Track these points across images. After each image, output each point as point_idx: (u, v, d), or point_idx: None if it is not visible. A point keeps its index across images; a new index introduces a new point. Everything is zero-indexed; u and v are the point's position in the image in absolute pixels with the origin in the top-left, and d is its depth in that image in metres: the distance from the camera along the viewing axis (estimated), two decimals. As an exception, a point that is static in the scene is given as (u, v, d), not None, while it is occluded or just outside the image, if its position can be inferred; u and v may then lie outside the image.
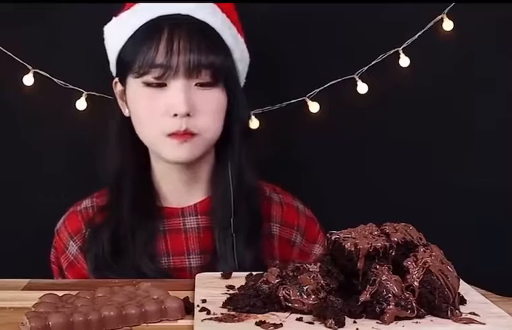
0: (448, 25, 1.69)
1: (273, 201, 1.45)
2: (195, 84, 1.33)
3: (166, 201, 1.42)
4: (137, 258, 1.35)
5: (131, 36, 1.36)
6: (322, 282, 0.98)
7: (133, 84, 1.35)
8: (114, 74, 1.43)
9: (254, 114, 1.65)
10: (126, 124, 1.39)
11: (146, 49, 1.32)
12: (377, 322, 0.95)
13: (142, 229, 1.37)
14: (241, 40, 1.41)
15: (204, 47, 1.32)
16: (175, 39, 1.31)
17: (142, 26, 1.35)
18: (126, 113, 1.40)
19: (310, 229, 1.46)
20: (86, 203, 1.45)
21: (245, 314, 0.97)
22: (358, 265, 0.98)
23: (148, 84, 1.33)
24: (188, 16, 1.35)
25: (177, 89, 1.32)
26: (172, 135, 1.33)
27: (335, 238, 1.00)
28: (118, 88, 1.41)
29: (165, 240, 1.40)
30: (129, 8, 1.39)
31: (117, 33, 1.39)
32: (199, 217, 1.41)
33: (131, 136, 1.39)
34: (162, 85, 1.33)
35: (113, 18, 1.42)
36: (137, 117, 1.37)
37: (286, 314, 0.98)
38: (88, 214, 1.43)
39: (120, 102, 1.41)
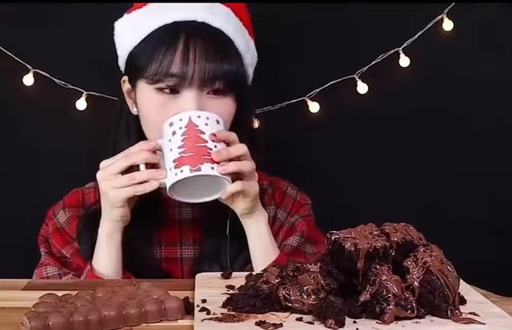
0: (448, 25, 1.69)
1: (267, 193, 1.45)
2: (207, 93, 1.32)
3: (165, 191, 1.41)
4: (131, 244, 1.34)
5: (145, 39, 1.34)
6: (322, 282, 0.98)
7: (145, 88, 1.33)
8: (122, 70, 1.41)
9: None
10: (133, 120, 1.39)
11: (162, 56, 1.30)
12: (377, 322, 0.95)
13: (138, 218, 1.34)
14: (252, 43, 1.41)
15: (219, 58, 1.31)
16: (191, 49, 1.29)
17: (156, 30, 1.33)
18: (134, 111, 1.39)
19: (296, 210, 1.45)
20: (90, 184, 1.45)
21: (245, 314, 0.97)
22: (358, 265, 0.98)
23: (160, 91, 1.32)
24: (203, 23, 1.33)
25: (189, 97, 1.30)
26: None
27: (335, 238, 1.00)
28: (126, 86, 1.39)
29: (159, 230, 1.39)
30: (141, 7, 1.37)
31: (129, 31, 1.37)
32: (195, 210, 1.40)
33: (138, 131, 1.37)
34: (174, 92, 1.32)
35: (125, 15, 1.39)
36: (146, 121, 1.36)
37: (286, 314, 0.98)
38: (89, 193, 1.44)
39: (127, 100, 1.40)
